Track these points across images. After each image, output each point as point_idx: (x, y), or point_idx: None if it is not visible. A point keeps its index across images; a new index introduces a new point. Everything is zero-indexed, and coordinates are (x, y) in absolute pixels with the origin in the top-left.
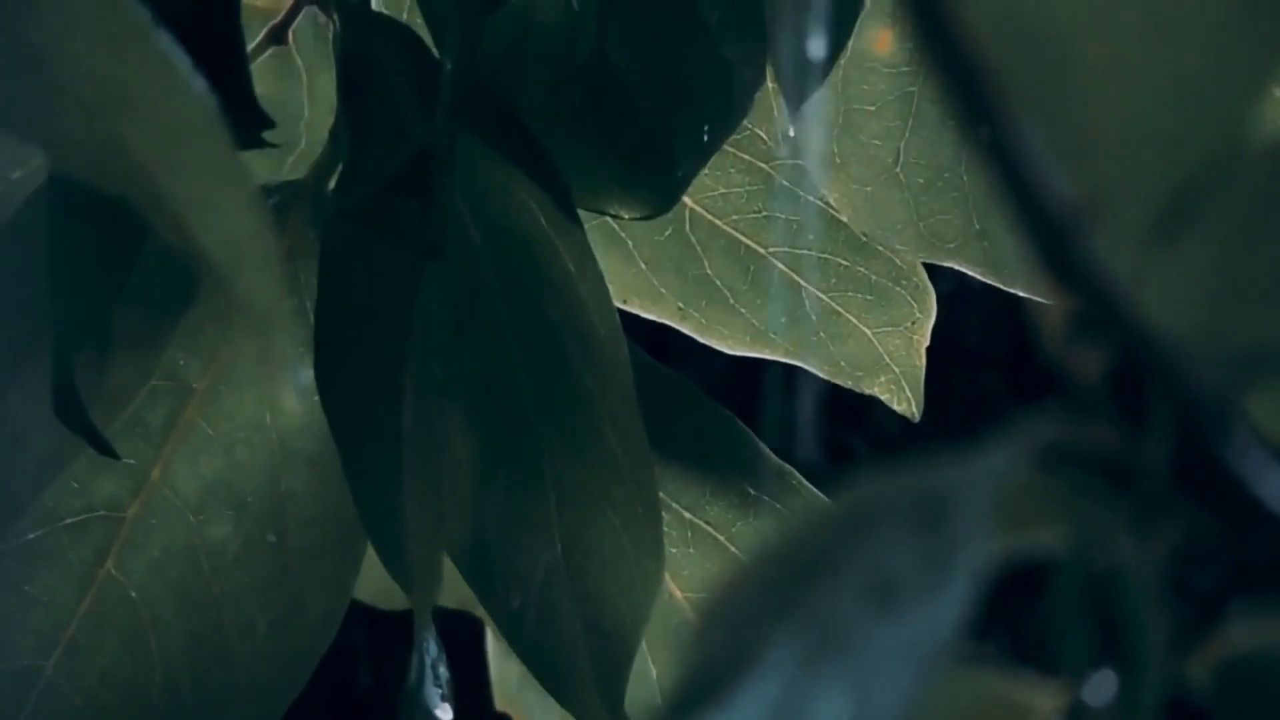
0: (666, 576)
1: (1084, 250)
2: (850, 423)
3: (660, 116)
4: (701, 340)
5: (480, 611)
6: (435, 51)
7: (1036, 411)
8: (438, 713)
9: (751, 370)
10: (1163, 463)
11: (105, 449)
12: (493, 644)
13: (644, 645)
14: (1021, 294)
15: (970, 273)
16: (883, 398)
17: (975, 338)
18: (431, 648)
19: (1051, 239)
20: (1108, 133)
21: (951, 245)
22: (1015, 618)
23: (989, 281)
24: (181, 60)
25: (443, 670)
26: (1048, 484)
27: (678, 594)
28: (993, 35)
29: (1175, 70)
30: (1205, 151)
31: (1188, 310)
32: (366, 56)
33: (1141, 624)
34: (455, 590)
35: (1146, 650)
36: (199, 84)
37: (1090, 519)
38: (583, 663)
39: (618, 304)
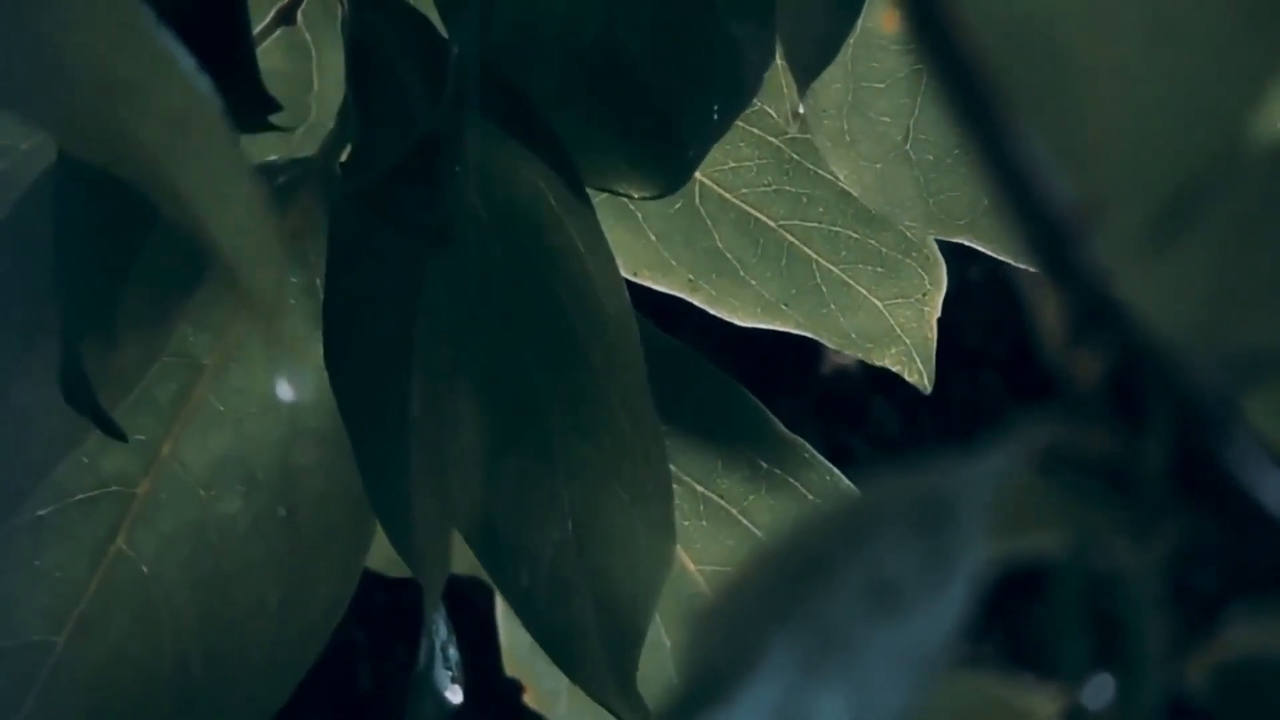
0: (680, 549)
1: (1084, 252)
2: (850, 423)
3: (670, 96)
4: (712, 312)
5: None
6: (444, 33)
7: (1035, 413)
8: (448, 694)
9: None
10: (1161, 465)
11: (113, 431)
12: (502, 610)
13: (657, 617)
14: (1030, 271)
15: (981, 249)
16: (894, 369)
17: (975, 338)
18: (441, 630)
19: (1051, 240)
20: (1107, 134)
21: (961, 221)
22: (1014, 620)
23: (999, 257)
24: (184, 56)
25: (452, 652)
26: (1046, 486)
27: (691, 567)
28: (993, 36)
29: (1175, 71)
30: (1205, 153)
31: (1187, 312)
32: (375, 39)
33: (1140, 627)
34: (467, 555)
35: (1145, 653)
36: (202, 79)
37: (1089, 521)
38: (594, 640)
39: (628, 276)
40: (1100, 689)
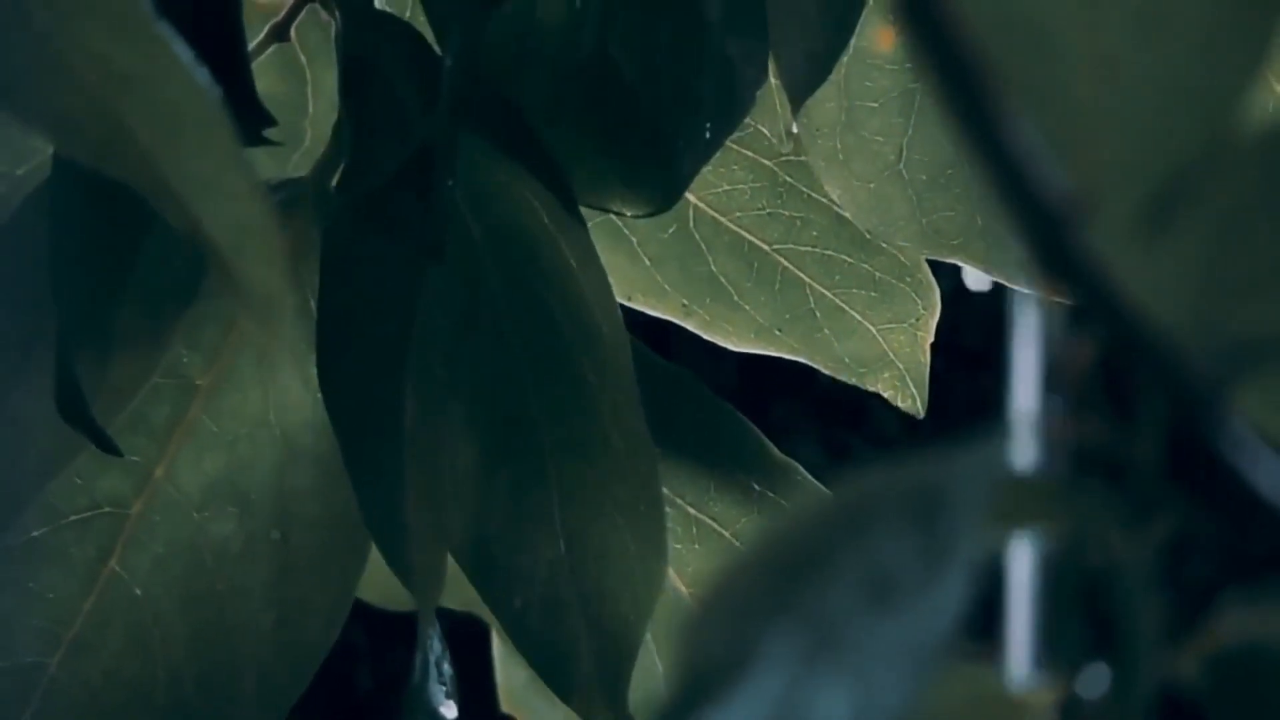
0: (671, 571)
1: (1077, 241)
2: (849, 423)
3: (662, 114)
4: (706, 337)
5: (486, 614)
6: (437, 49)
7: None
8: (442, 710)
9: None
10: (1155, 454)
11: (108, 447)
12: (498, 646)
13: (649, 641)
14: (1023, 290)
15: (973, 269)
16: (886, 394)
17: (975, 338)
18: (435, 645)
19: (1045, 230)
20: (1100, 124)
21: (955, 242)
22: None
23: (992, 278)
24: (183, 49)
25: (446, 667)
26: (1041, 477)
27: (683, 589)
28: (985, 28)
29: (1165, 61)
30: (1195, 142)
31: (1180, 301)
32: (368, 54)
33: (1135, 616)
34: (461, 592)
35: (1140, 643)
36: (201, 73)
37: (1084, 512)
38: (586, 661)
39: (621, 301)
40: (1095, 679)
